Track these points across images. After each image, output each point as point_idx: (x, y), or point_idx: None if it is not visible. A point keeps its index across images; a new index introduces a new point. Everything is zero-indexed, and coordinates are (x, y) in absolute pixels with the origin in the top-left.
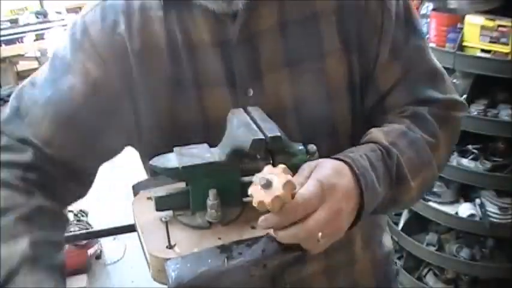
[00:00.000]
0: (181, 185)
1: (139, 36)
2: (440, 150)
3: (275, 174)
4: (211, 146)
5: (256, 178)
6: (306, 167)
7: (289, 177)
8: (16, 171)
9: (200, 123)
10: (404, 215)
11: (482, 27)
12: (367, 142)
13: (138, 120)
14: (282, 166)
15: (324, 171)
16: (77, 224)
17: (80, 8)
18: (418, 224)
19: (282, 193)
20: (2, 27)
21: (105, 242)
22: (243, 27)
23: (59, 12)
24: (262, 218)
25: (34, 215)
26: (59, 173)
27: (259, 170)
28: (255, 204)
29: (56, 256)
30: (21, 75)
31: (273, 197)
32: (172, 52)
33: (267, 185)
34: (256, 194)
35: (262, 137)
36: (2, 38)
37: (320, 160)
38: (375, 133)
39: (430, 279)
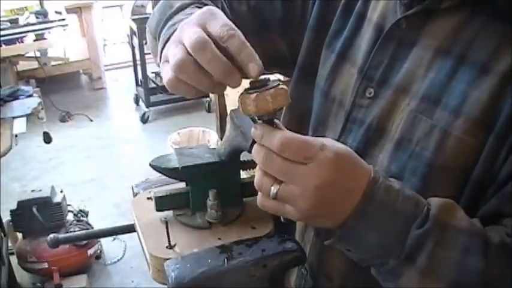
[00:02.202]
0: (181, 185)
1: None
2: None
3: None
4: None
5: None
6: None
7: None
8: None
9: (320, 87)
10: None
11: None
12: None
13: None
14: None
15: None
16: (77, 224)
17: (80, 8)
18: None
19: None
20: (2, 27)
21: (105, 242)
22: (408, 28)
23: (59, 12)
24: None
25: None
26: None
27: None
28: (253, 98)
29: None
30: (21, 75)
31: (277, 89)
32: (345, 10)
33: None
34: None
35: None
36: (2, 38)
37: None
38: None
39: None
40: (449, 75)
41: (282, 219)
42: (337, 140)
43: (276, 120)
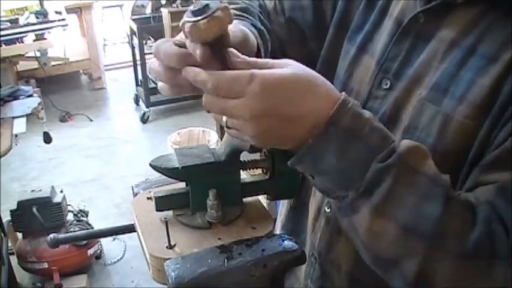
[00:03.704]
0: (181, 185)
1: None
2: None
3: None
4: None
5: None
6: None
7: (225, 4)
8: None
9: (340, 78)
10: None
11: None
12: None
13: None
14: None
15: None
16: (77, 224)
17: (80, 8)
18: None
19: (222, 16)
20: (2, 27)
21: (105, 242)
22: (425, 22)
23: (59, 12)
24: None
25: (246, 9)
26: None
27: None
28: (187, 29)
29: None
30: (21, 75)
31: (211, 17)
32: (368, 7)
33: (203, 9)
34: (188, 18)
35: None
36: (2, 38)
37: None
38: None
39: None
40: (459, 65)
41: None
42: None
43: (222, 41)
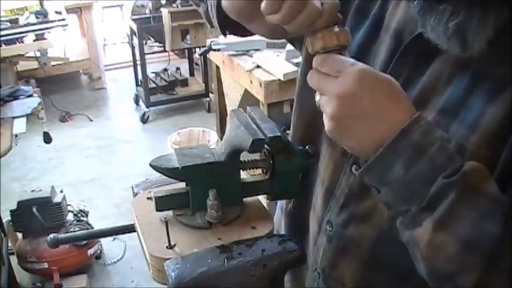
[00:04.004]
0: (181, 185)
1: None
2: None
3: None
4: None
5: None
6: None
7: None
8: None
9: None
10: None
11: None
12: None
13: None
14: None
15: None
16: (77, 224)
17: (80, 8)
18: None
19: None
20: (2, 27)
21: (105, 242)
22: (429, 41)
23: (59, 12)
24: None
25: None
26: None
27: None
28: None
29: None
30: (21, 75)
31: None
32: (358, 11)
33: None
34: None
35: (262, 137)
36: (2, 38)
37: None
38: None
39: None
40: (468, 89)
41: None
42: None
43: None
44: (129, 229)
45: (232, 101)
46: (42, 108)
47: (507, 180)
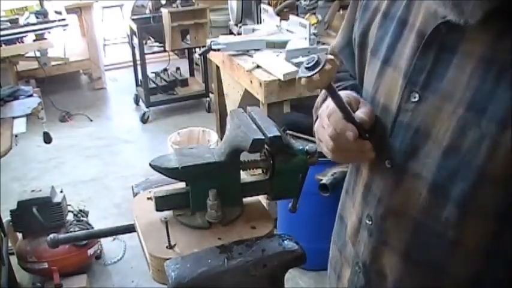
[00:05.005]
0: (181, 185)
1: None
2: None
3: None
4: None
5: (303, 62)
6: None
7: (330, 56)
8: None
9: (368, 92)
10: None
11: None
12: None
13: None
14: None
15: None
16: (77, 224)
17: (80, 8)
18: None
19: (329, 67)
20: (2, 27)
21: (105, 242)
22: (448, 33)
23: (59, 12)
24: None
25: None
26: None
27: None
28: (303, 83)
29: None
30: (21, 75)
31: (321, 71)
32: (384, 17)
33: (314, 64)
34: (303, 74)
35: (262, 137)
36: (2, 38)
37: None
38: None
39: None
40: (494, 83)
41: None
42: (385, 144)
43: (332, 86)
44: (129, 229)
45: (232, 101)
46: (42, 108)
47: None
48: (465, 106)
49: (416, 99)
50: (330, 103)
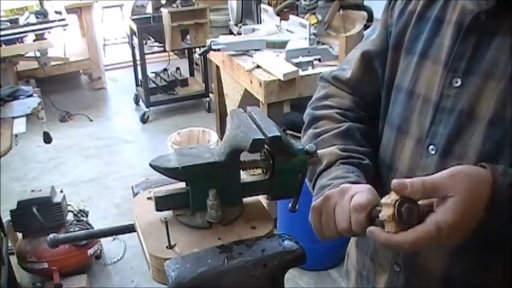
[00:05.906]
0: (181, 185)
1: None
2: None
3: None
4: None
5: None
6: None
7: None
8: (337, 110)
9: (403, 89)
10: None
11: None
12: None
13: None
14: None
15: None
16: (77, 224)
17: (80, 8)
18: None
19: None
20: (2, 27)
21: (105, 242)
22: (487, 20)
23: (59, 12)
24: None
25: (346, 132)
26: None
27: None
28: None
29: (362, 161)
30: (21, 75)
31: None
32: (420, 18)
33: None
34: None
35: (262, 136)
36: (2, 38)
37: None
38: None
39: None
40: None
41: None
42: (428, 131)
43: None
44: (129, 229)
45: (232, 101)
46: (42, 108)
47: None
48: (506, 81)
49: (459, 83)
50: (357, 197)
